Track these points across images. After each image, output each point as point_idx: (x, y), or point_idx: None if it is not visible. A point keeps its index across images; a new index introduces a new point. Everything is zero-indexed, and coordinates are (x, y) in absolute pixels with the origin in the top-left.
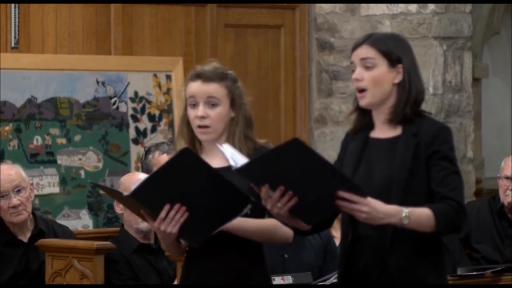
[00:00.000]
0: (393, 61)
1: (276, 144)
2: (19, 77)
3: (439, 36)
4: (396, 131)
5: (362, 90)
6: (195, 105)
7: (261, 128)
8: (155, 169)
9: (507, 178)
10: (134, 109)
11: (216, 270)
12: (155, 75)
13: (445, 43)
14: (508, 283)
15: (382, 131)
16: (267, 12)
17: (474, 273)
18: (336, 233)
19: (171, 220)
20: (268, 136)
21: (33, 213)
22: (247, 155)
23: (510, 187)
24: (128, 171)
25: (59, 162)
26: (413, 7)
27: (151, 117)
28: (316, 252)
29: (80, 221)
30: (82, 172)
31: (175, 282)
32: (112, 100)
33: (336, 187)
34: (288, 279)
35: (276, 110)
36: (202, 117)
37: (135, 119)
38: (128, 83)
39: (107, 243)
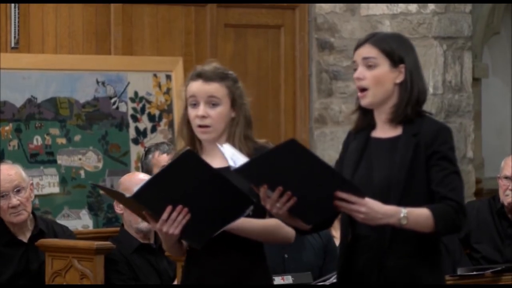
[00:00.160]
0: (395, 61)
1: (276, 144)
2: (19, 77)
3: (439, 36)
4: (397, 131)
5: (363, 90)
6: (195, 105)
7: (261, 128)
8: (155, 169)
9: (506, 178)
10: (134, 109)
11: (217, 270)
12: (155, 75)
13: (445, 43)
14: (508, 283)
15: (383, 131)
16: (267, 12)
17: (474, 273)
18: (336, 233)
19: (173, 222)
20: (268, 136)
21: (33, 213)
22: (247, 155)
23: (510, 187)
24: (128, 171)
25: (59, 162)
26: (413, 7)
27: (151, 117)
28: (316, 252)
29: (80, 221)
30: (82, 172)
31: (175, 282)
32: (112, 100)
33: (334, 188)
34: (288, 279)
35: (276, 110)
36: (203, 117)
37: (135, 119)
38: (128, 83)
39: (107, 243)
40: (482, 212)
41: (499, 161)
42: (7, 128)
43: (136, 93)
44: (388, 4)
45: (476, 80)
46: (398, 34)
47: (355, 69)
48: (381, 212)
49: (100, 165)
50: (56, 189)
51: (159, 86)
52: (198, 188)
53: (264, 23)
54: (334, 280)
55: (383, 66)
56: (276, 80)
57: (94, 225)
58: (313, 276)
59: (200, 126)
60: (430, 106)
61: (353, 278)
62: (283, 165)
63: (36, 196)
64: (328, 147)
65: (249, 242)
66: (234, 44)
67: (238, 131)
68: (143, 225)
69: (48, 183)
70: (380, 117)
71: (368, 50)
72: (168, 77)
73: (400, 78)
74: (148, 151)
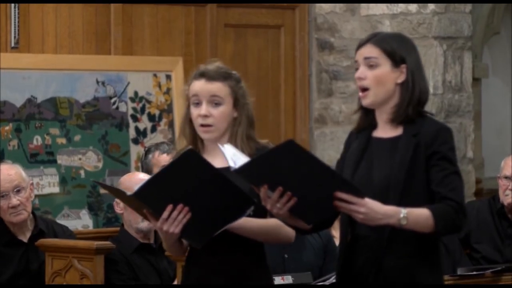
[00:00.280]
0: (396, 61)
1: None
2: (19, 77)
3: (439, 36)
4: (398, 131)
5: (364, 90)
6: (198, 104)
7: (261, 128)
8: (155, 168)
9: (506, 177)
10: (134, 109)
11: (217, 270)
12: (155, 75)
13: (445, 43)
14: (508, 283)
15: (385, 131)
16: (267, 12)
17: (474, 273)
18: (336, 233)
19: (173, 221)
20: (268, 136)
21: (33, 213)
22: (249, 155)
23: (509, 187)
24: (128, 171)
25: (59, 162)
26: (413, 7)
27: (151, 117)
28: (316, 252)
29: (80, 221)
30: (82, 172)
31: (175, 282)
32: (112, 100)
33: (334, 188)
34: (288, 279)
35: (276, 110)
36: (205, 116)
37: (135, 119)
38: (128, 83)
39: (107, 243)
40: (482, 212)
41: (499, 161)
42: (7, 128)
43: (136, 93)
44: (388, 4)
45: (476, 80)
46: (400, 34)
47: (356, 69)
48: (380, 213)
49: (100, 165)
50: (56, 189)
51: (159, 86)
52: (199, 188)
53: (264, 23)
54: (334, 280)
55: (385, 66)
56: (276, 80)
57: (94, 225)
58: (313, 276)
59: (202, 125)
60: (430, 106)
61: (352, 278)
62: (283, 165)
63: (36, 196)
64: (328, 147)
65: (249, 242)
66: (234, 44)
67: (240, 131)
68: (143, 225)
69: (48, 183)
70: (382, 117)
71: (369, 50)
72: (168, 77)
73: (401, 78)
74: (148, 151)
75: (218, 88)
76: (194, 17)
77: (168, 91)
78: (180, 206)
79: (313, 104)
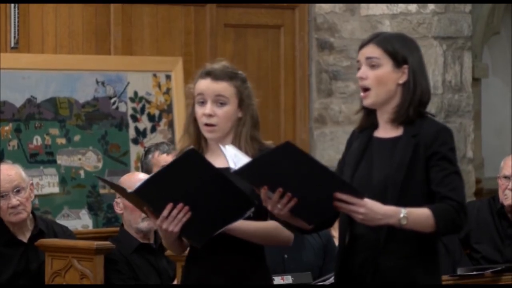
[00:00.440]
0: (398, 61)
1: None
2: (19, 77)
3: (439, 36)
4: (398, 131)
5: (366, 90)
6: (203, 103)
7: (261, 128)
8: (154, 168)
9: (506, 177)
10: (134, 109)
11: (217, 270)
12: (154, 75)
13: (445, 43)
14: (508, 283)
15: (385, 131)
16: (267, 12)
17: (474, 273)
18: (336, 233)
19: (173, 219)
20: (268, 136)
21: (32, 213)
22: (253, 156)
23: (509, 186)
24: (127, 171)
25: (58, 162)
26: (413, 7)
27: (151, 117)
28: (316, 252)
29: (80, 221)
30: (81, 172)
31: (175, 282)
32: (112, 100)
33: (333, 189)
34: (288, 279)
35: (276, 110)
36: (209, 115)
37: (135, 119)
38: (128, 83)
39: (107, 243)
40: (482, 212)
41: (499, 161)
42: (6, 128)
43: (135, 93)
44: (388, 4)
45: (476, 80)
46: (402, 35)
47: (358, 68)
48: (380, 213)
49: (100, 165)
50: (55, 189)
51: (159, 86)
52: (200, 187)
53: (264, 23)
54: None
55: (386, 66)
56: (276, 80)
57: (94, 225)
58: (313, 276)
59: (206, 124)
60: (430, 106)
61: (350, 278)
62: (281, 167)
63: (35, 196)
64: (328, 147)
65: (249, 242)
66: (234, 44)
67: (244, 131)
68: (143, 225)
69: (48, 183)
70: (383, 117)
71: (371, 50)
72: (168, 77)
73: (403, 79)
74: (148, 151)
75: (224, 88)
76: (194, 17)
77: (168, 91)
78: (180, 205)
79: (313, 104)
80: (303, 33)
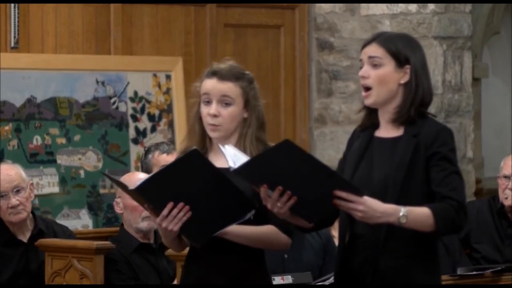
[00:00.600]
0: (401, 61)
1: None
2: (19, 77)
3: (439, 36)
4: (399, 131)
5: (367, 89)
6: (208, 102)
7: None
8: (154, 168)
9: (505, 177)
10: (134, 108)
11: (216, 270)
12: (154, 75)
13: (445, 43)
14: (508, 283)
15: (386, 131)
16: (266, 12)
17: (474, 273)
18: (335, 232)
19: (173, 218)
20: (268, 136)
21: (32, 213)
22: None
23: (509, 186)
24: (127, 171)
25: (58, 162)
26: (413, 7)
27: (151, 117)
28: (316, 252)
29: (80, 221)
30: (81, 172)
31: (175, 282)
32: (112, 100)
33: (333, 187)
34: (288, 279)
35: (276, 110)
36: (214, 116)
37: (135, 119)
38: (128, 83)
39: (107, 243)
40: (482, 212)
41: (499, 161)
42: (6, 128)
43: (135, 93)
44: (388, 4)
45: (476, 80)
46: (406, 35)
47: (361, 67)
48: (379, 211)
49: (100, 165)
50: (55, 189)
51: (159, 86)
52: (201, 188)
53: (264, 23)
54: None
55: (388, 66)
56: (276, 80)
57: (94, 225)
58: (313, 276)
59: (210, 124)
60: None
61: (349, 278)
62: (281, 165)
63: (35, 196)
64: (328, 147)
65: None
66: (234, 44)
67: (249, 132)
68: (143, 224)
69: (48, 183)
70: (384, 116)
71: (374, 49)
72: (168, 77)
73: (405, 79)
74: (148, 151)
75: (229, 88)
76: (193, 17)
77: (168, 91)
78: (180, 205)
79: (313, 104)
80: (303, 33)
